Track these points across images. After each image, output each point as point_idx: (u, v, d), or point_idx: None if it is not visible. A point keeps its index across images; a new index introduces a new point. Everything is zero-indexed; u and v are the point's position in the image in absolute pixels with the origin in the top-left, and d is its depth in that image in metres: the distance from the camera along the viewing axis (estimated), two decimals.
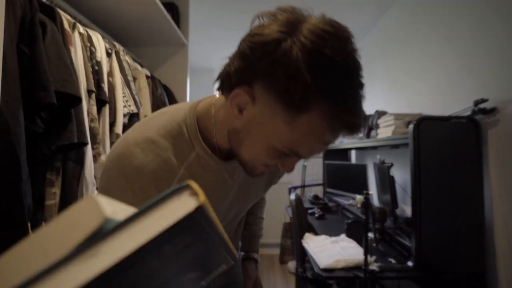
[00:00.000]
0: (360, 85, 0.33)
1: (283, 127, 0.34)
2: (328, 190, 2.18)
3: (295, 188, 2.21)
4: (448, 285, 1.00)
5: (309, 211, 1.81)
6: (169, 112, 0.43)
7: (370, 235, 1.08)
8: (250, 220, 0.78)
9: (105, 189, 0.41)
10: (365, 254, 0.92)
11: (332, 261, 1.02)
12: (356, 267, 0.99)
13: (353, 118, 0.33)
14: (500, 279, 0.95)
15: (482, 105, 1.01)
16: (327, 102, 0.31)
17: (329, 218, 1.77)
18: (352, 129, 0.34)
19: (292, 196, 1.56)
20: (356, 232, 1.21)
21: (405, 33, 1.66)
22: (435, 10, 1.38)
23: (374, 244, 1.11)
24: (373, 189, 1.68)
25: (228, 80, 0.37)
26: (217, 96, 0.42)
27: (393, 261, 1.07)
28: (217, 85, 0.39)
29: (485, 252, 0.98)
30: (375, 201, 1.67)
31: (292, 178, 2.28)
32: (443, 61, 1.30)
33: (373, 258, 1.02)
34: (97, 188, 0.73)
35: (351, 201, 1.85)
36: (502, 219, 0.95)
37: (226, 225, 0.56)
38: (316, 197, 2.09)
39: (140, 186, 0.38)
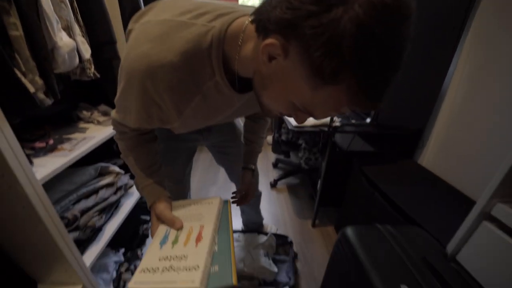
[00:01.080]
0: (397, 69, 0.30)
1: (306, 90, 0.33)
2: None
3: None
4: (393, 139, 1.24)
5: None
6: (195, 29, 0.39)
7: None
8: (252, 138, 0.84)
9: (122, 93, 0.45)
10: None
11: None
12: (323, 125, 1.16)
13: (373, 103, 0.32)
14: (432, 136, 1.18)
15: None
16: (356, 82, 0.30)
17: None
18: (367, 111, 0.32)
19: None
20: None
21: None
22: None
23: None
24: None
25: (266, 23, 0.34)
26: (248, 22, 0.39)
27: (353, 121, 1.24)
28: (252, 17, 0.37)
29: (431, 113, 1.15)
30: None
31: None
32: None
33: (339, 119, 1.18)
34: (63, 28, 0.68)
35: None
36: (455, 88, 1.07)
37: (223, 123, 0.62)
38: None
39: (156, 91, 0.41)
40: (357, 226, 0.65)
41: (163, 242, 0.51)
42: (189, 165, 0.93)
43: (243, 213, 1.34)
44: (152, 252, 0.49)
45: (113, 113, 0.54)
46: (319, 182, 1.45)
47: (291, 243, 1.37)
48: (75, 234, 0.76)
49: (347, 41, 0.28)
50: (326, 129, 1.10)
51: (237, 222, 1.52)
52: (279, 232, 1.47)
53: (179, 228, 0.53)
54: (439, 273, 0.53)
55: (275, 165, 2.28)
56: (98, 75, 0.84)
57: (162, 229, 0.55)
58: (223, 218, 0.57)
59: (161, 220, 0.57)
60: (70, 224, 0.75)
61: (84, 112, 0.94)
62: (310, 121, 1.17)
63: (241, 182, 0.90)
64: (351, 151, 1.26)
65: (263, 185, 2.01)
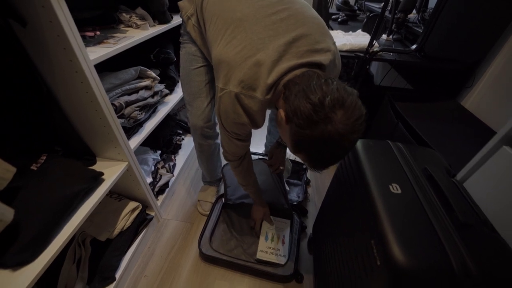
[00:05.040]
0: (332, 163, 0.54)
1: (289, 144, 0.57)
2: None
3: None
4: (436, 75, 1.11)
5: (333, 16, 1.69)
6: (259, 102, 0.61)
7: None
8: None
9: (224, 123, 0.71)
10: (373, 35, 0.96)
11: (339, 45, 1.09)
12: (360, 51, 1.07)
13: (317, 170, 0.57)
14: (486, 73, 1.03)
15: None
16: (308, 160, 0.55)
17: (352, 25, 1.68)
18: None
19: None
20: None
21: None
22: None
23: (387, 35, 1.12)
24: None
25: (286, 100, 0.54)
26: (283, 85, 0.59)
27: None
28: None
29: (493, 45, 0.98)
30: None
31: None
32: None
33: (378, 43, 1.07)
34: None
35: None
36: None
37: None
38: (345, 2, 1.87)
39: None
40: (366, 139, 0.68)
41: (266, 238, 1.08)
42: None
43: (269, 134, 1.42)
44: (262, 242, 1.07)
45: (225, 153, 0.87)
46: None
47: (305, 169, 1.46)
48: (121, 121, 0.91)
49: (307, 144, 0.51)
50: (362, 54, 1.03)
51: (261, 144, 1.63)
52: (296, 160, 1.56)
53: (271, 224, 1.13)
54: (436, 182, 0.55)
55: None
56: None
57: (263, 231, 1.11)
58: (291, 229, 1.14)
59: (263, 217, 1.11)
60: (117, 111, 0.90)
61: (124, 15, 0.99)
62: (346, 45, 1.09)
63: (274, 157, 1.16)
64: (384, 86, 1.18)
65: None
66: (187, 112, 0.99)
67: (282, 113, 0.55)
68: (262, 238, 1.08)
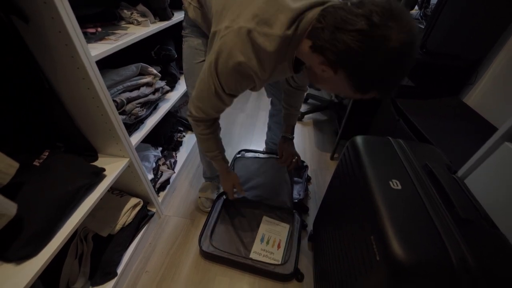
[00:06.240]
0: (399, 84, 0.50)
1: (349, 92, 0.51)
2: None
3: None
4: (438, 72, 1.10)
5: None
6: (273, 40, 0.53)
7: None
8: (292, 102, 1.02)
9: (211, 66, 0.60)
10: None
11: None
12: None
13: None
14: (489, 70, 1.02)
15: None
16: (379, 94, 0.50)
17: None
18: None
19: None
20: None
21: None
22: None
23: None
24: None
25: (324, 51, 0.48)
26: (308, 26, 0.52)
27: None
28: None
29: (495, 42, 0.97)
30: None
31: None
32: None
33: None
34: None
35: None
36: None
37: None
38: None
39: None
40: (367, 136, 0.67)
41: (262, 240, 1.09)
42: None
43: (269, 130, 1.42)
44: (257, 244, 1.07)
45: (193, 110, 0.74)
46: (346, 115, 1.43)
47: (306, 167, 1.46)
48: (123, 117, 0.92)
49: (374, 75, 0.46)
50: None
51: (261, 142, 1.63)
52: None
53: (243, 194, 1.13)
54: (436, 178, 0.55)
55: (305, 100, 2.25)
56: None
57: (260, 233, 1.12)
58: (288, 233, 1.12)
59: (234, 183, 1.03)
60: (118, 108, 0.90)
61: (125, 11, 0.99)
62: None
63: (285, 153, 1.16)
64: None
65: None
66: None
67: (322, 66, 0.50)
68: (257, 240, 1.09)
